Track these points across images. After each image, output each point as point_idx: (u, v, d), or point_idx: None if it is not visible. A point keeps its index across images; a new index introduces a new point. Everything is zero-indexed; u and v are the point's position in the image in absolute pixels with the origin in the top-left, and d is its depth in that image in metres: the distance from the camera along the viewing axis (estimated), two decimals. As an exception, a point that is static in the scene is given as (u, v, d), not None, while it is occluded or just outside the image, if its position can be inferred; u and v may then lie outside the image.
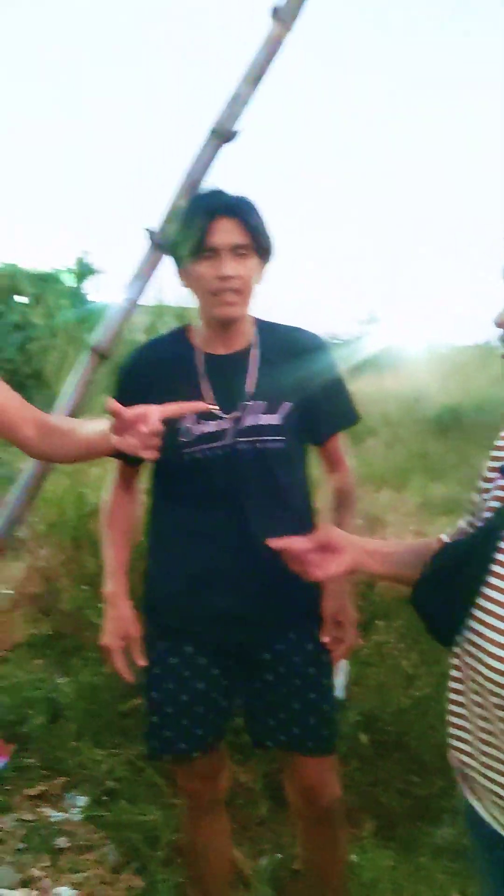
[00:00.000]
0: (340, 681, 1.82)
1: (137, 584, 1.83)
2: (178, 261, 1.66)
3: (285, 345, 1.71)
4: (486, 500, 1.32)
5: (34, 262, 15.60)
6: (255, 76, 2.37)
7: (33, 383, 10.99)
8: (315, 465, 1.87)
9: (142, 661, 1.74)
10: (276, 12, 2.35)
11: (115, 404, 1.28)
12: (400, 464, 6.64)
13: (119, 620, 1.76)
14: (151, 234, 2.50)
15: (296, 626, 1.72)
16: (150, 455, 1.29)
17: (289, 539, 1.30)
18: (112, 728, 2.77)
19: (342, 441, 1.83)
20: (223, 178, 2.57)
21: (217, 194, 1.66)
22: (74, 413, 2.62)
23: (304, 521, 1.71)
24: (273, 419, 1.65)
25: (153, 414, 1.27)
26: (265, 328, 1.72)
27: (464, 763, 1.30)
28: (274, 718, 1.72)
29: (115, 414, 1.28)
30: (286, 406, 1.66)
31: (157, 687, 1.73)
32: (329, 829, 1.80)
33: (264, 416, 1.65)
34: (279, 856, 2.27)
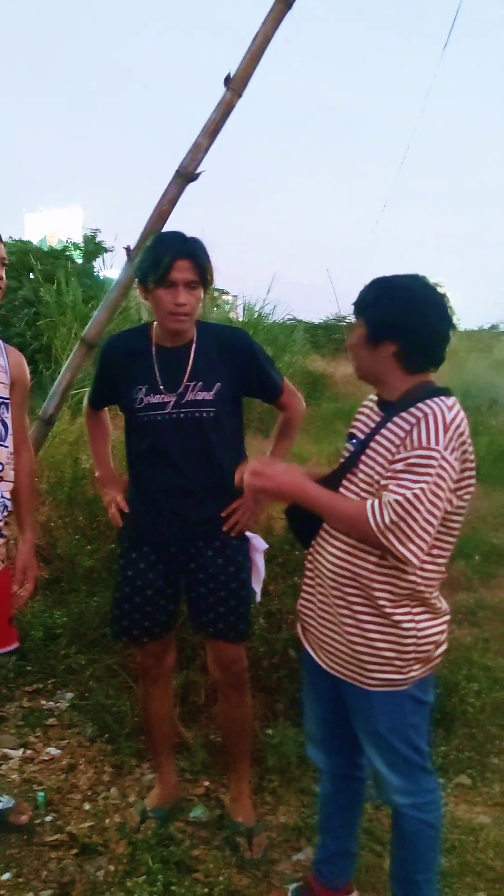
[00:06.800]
0: (257, 584, 2.50)
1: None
2: (144, 283, 2.31)
3: (217, 340, 2.38)
4: (341, 453, 2.02)
5: (46, 239, 15.99)
6: (212, 131, 3.01)
7: (41, 357, 11.37)
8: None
9: (125, 508, 2.48)
10: (227, 81, 2.98)
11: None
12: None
13: (109, 492, 2.55)
14: (129, 251, 3.15)
15: (213, 541, 2.39)
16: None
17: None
18: (95, 644, 3.49)
19: (285, 396, 2.51)
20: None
21: (178, 238, 2.29)
22: (66, 390, 3.31)
23: (227, 472, 2.38)
24: (207, 395, 2.32)
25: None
26: (202, 328, 2.38)
27: (307, 625, 2.01)
28: (206, 616, 2.42)
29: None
30: (217, 385, 2.32)
31: (122, 584, 2.44)
32: (238, 691, 2.53)
33: (201, 392, 2.31)
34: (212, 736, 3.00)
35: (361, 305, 1.90)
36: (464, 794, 2.89)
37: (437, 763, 2.90)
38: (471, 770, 3.01)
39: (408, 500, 1.71)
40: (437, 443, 1.73)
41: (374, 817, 2.65)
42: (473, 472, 1.86)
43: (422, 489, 1.71)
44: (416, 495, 1.71)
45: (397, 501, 1.71)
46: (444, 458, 1.73)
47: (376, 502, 1.75)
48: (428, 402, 1.79)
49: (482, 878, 2.45)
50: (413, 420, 1.78)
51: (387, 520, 1.72)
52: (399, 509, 1.71)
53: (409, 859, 2.06)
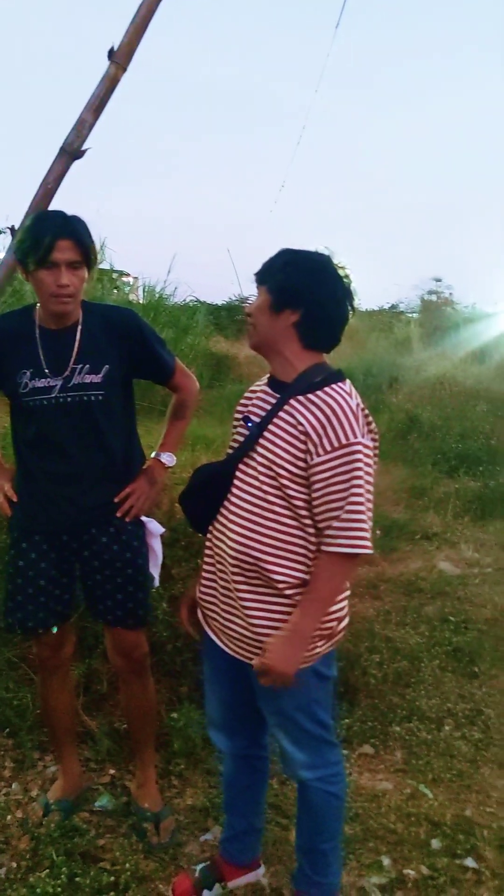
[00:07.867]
0: (155, 569, 2.47)
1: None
2: (25, 265, 2.22)
3: (104, 321, 2.30)
4: (232, 437, 2.01)
5: None
6: (97, 106, 2.93)
7: None
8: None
9: (14, 497, 2.37)
10: (111, 54, 2.90)
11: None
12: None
13: None
14: (13, 231, 3.03)
15: (107, 527, 2.34)
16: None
17: None
18: (-7, 637, 3.38)
19: (177, 377, 2.45)
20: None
21: (59, 217, 2.20)
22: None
23: (117, 455, 2.34)
24: (95, 378, 2.25)
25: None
26: (88, 309, 2.31)
27: (209, 611, 2.00)
28: (103, 604, 2.37)
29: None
30: (106, 368, 2.26)
31: (13, 575, 2.36)
32: (140, 677, 2.50)
33: (88, 375, 2.24)
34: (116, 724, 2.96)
35: (267, 272, 1.89)
36: (367, 763, 2.96)
37: (341, 735, 2.96)
38: (374, 739, 3.09)
39: (354, 503, 1.77)
40: (354, 436, 1.77)
41: (279, 792, 2.68)
42: (378, 443, 1.90)
43: (357, 486, 1.77)
44: (354, 494, 1.76)
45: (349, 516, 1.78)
46: (362, 445, 1.78)
47: (329, 543, 1.80)
48: (328, 392, 1.81)
49: (384, 841, 2.52)
50: (318, 413, 1.79)
51: (349, 544, 1.78)
52: (351, 517, 1.77)
53: (315, 830, 2.10)
